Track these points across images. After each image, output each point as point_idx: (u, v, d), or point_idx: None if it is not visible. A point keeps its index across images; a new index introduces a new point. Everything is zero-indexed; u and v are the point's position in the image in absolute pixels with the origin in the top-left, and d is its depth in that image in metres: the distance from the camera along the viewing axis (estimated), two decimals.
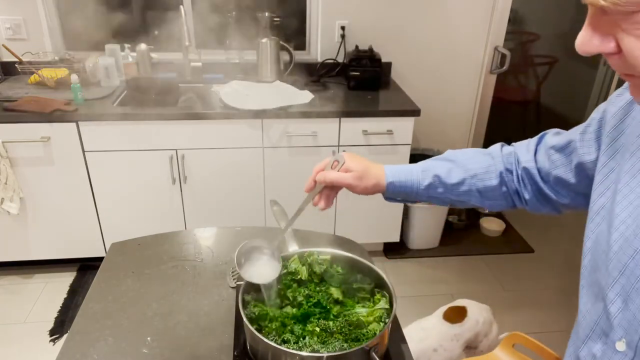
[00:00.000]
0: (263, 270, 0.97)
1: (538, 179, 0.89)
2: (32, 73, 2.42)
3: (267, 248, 1.00)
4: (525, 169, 0.91)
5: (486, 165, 0.93)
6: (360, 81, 2.59)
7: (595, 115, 0.78)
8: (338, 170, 0.91)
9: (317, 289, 1.02)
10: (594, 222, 0.72)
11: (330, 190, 0.94)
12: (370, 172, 0.92)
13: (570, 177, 0.83)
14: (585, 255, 0.74)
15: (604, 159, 0.73)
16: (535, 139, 0.93)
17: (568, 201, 0.87)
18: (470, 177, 0.93)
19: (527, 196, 0.92)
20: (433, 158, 0.98)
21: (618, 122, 0.72)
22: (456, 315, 1.80)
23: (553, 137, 0.88)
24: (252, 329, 0.88)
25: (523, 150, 0.93)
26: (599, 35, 0.53)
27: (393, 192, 0.95)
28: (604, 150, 0.74)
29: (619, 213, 0.66)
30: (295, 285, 1.03)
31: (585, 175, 0.80)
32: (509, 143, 0.98)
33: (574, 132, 0.83)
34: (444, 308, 1.85)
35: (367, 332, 0.92)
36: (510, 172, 0.93)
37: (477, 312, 1.80)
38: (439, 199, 0.96)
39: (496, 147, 0.97)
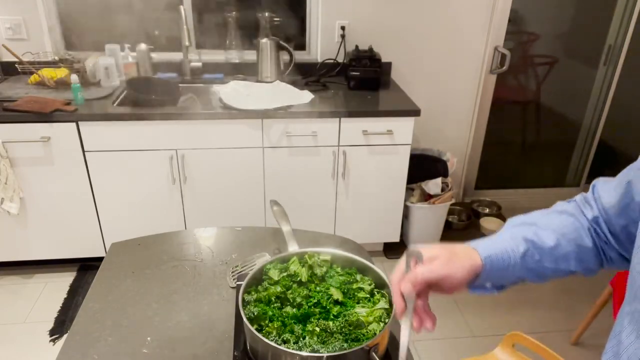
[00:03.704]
0: None
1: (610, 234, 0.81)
2: (32, 73, 2.42)
3: None
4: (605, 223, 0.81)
5: (570, 223, 0.81)
6: (360, 81, 2.59)
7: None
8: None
9: (317, 289, 1.02)
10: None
11: (424, 299, 0.77)
12: (457, 251, 0.77)
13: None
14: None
15: None
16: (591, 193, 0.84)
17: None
18: (562, 237, 0.79)
19: (612, 254, 0.81)
20: (508, 225, 0.84)
21: None
22: None
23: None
24: (252, 329, 0.88)
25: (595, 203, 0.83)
26: None
27: (490, 271, 0.77)
28: None
29: None
30: (295, 285, 1.03)
31: None
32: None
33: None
34: None
35: (367, 332, 0.92)
36: (595, 230, 0.82)
37: None
38: (534, 271, 0.80)
39: (568, 204, 0.85)
